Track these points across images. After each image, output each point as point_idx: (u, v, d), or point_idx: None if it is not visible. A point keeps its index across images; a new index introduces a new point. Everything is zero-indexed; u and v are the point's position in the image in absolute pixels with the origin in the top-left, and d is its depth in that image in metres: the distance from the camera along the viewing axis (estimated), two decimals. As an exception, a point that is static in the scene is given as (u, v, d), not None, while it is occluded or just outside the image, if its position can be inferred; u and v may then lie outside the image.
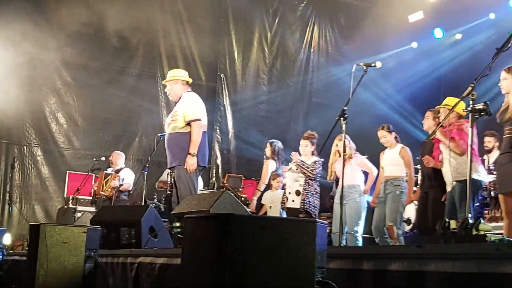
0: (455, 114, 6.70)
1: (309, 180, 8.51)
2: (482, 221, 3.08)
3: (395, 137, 8.15)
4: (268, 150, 9.86)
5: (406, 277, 2.99)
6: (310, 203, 8.43)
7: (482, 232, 2.98)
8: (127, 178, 10.74)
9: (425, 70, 13.69)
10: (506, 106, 5.74)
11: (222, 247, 2.74)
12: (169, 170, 7.50)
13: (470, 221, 3.06)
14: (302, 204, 8.43)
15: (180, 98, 7.31)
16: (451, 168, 6.80)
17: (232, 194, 5.74)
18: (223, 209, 5.17)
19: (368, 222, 8.46)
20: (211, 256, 2.84)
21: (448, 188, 6.99)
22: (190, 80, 7.49)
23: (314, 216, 8.40)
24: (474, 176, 6.53)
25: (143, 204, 10.57)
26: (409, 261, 2.99)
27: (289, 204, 8.73)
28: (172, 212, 5.92)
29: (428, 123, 7.59)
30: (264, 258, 2.78)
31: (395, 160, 7.96)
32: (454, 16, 12.91)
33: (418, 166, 8.59)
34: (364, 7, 14.40)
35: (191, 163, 6.91)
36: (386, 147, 8.21)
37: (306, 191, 8.45)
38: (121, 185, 10.45)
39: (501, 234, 4.58)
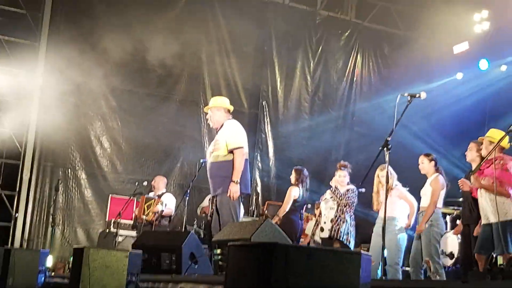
0: (498, 147, 6.57)
1: (343, 207, 8.50)
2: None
3: (435, 166, 8.03)
4: (293, 177, 9.84)
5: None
6: (342, 231, 8.39)
7: (531, 269, 2.91)
8: (169, 203, 10.81)
9: (470, 103, 13.52)
10: None
11: (266, 275, 2.73)
12: (210, 196, 7.54)
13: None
14: (333, 231, 8.40)
15: (222, 125, 7.39)
16: (491, 203, 6.59)
17: (273, 222, 5.73)
18: (264, 237, 5.17)
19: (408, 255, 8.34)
20: (255, 284, 2.83)
21: (483, 221, 6.78)
22: (232, 108, 7.57)
23: (347, 244, 8.35)
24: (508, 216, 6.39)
25: (183, 229, 10.62)
26: (456, 297, 2.94)
27: (321, 235, 8.70)
28: (213, 239, 5.94)
29: (471, 154, 7.41)
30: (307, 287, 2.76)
31: (427, 190, 7.86)
32: (500, 47, 12.75)
33: (461, 199, 8.41)
34: (408, 37, 14.34)
35: (235, 190, 6.97)
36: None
37: (338, 219, 8.43)
38: (163, 210, 10.52)
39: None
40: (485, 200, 6.55)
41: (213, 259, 5.73)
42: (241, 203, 7.38)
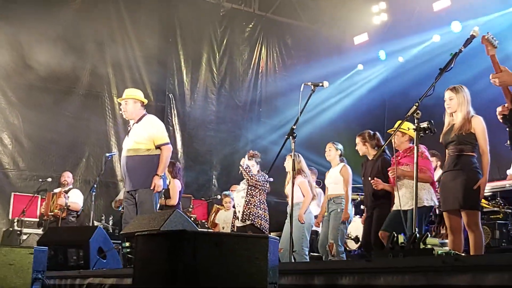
0: (407, 137, 6.89)
1: (252, 191, 8.61)
2: (429, 235, 3.17)
3: (340, 156, 8.35)
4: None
5: (357, 290, 3.05)
6: (253, 214, 8.51)
7: (429, 246, 3.07)
8: (76, 198, 10.56)
9: (370, 93, 14.02)
10: (450, 126, 5.93)
11: (175, 263, 2.75)
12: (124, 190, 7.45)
13: (417, 235, 3.15)
14: (244, 215, 8.51)
15: (140, 119, 7.32)
16: (409, 190, 6.88)
17: (182, 213, 5.73)
18: (173, 228, 5.16)
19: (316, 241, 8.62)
20: (164, 273, 2.84)
21: (395, 208, 7.06)
22: (146, 101, 7.56)
23: (259, 226, 8.47)
24: (430, 202, 6.72)
25: (91, 225, 10.43)
26: (359, 276, 3.05)
27: (237, 224, 8.83)
28: (121, 232, 5.88)
29: (360, 147, 7.74)
30: (217, 274, 2.80)
31: (336, 179, 8.18)
32: (397, 38, 13.24)
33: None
34: (310, 28, 14.69)
35: (159, 184, 6.99)
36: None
37: (248, 203, 8.55)
38: (67, 203, 10.25)
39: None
40: (405, 188, 6.81)
41: (121, 252, 5.66)
42: None
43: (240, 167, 8.91)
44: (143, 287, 3.00)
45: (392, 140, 7.15)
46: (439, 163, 9.66)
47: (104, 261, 6.24)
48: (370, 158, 7.67)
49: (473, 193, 5.61)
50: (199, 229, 8.16)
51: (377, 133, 7.75)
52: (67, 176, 10.98)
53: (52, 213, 10.29)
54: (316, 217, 8.77)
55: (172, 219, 5.22)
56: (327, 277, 3.25)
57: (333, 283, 3.18)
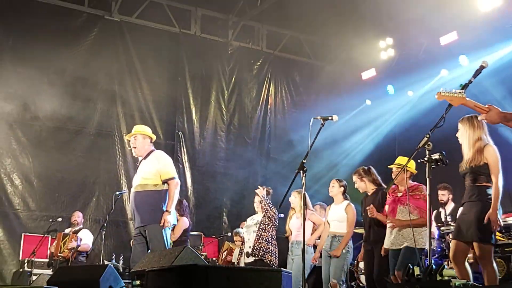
0: (408, 174, 6.90)
1: (265, 225, 8.55)
2: (445, 266, 3.11)
3: (344, 192, 8.34)
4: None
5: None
6: (264, 249, 8.43)
7: (446, 278, 3.01)
8: (86, 238, 10.56)
9: (380, 128, 14.03)
10: (469, 158, 5.87)
11: (187, 298, 2.70)
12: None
13: (434, 266, 3.09)
14: (255, 250, 8.42)
15: (148, 154, 7.33)
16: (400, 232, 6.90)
17: (192, 249, 5.66)
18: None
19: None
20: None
21: (387, 245, 7.12)
22: (154, 137, 7.58)
23: (268, 262, 8.40)
24: (425, 245, 6.71)
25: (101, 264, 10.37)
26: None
27: (246, 260, 8.74)
28: (132, 270, 5.82)
29: (358, 185, 7.86)
30: (229, 308, 2.75)
31: (341, 217, 8.15)
32: (405, 73, 13.28)
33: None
34: (317, 65, 14.81)
35: (169, 219, 6.95)
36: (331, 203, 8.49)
37: (260, 238, 8.48)
38: (79, 245, 10.25)
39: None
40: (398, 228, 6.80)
41: (133, 291, 5.59)
42: None
43: (257, 197, 8.85)
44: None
45: (392, 175, 7.16)
46: (451, 196, 9.63)
47: (115, 300, 6.15)
48: (369, 193, 7.70)
49: (486, 225, 5.50)
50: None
51: (372, 168, 7.81)
52: (77, 216, 11.02)
53: (62, 255, 10.26)
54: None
55: (183, 255, 5.15)
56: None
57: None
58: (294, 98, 14.77)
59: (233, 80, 14.23)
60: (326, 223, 8.48)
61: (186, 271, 2.70)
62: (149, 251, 7.00)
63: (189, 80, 13.78)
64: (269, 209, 8.60)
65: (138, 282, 5.51)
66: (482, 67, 5.02)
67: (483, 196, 5.60)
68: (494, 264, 5.57)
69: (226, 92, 14.15)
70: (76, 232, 10.59)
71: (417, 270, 3.09)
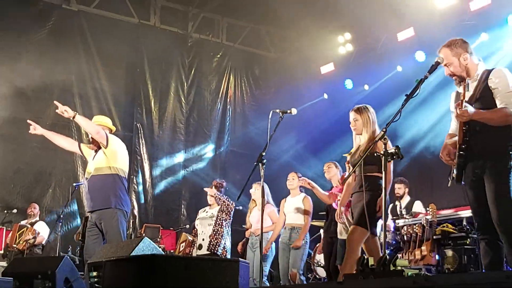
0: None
1: (221, 220, 8.59)
2: (399, 257, 3.19)
3: (300, 186, 8.47)
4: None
5: (328, 313, 3.05)
6: (220, 245, 8.49)
7: (399, 268, 3.09)
8: (42, 231, 10.44)
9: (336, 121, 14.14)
10: (357, 148, 6.00)
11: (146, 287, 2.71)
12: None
13: (387, 257, 3.17)
14: (211, 245, 8.47)
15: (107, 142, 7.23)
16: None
17: (150, 240, 5.65)
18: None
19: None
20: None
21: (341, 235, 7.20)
22: (114, 128, 7.49)
23: (221, 256, 8.46)
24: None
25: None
26: (330, 298, 3.06)
27: (199, 252, 8.77)
28: (88, 261, 5.77)
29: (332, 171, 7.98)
30: (187, 298, 2.77)
31: (299, 209, 8.27)
32: (363, 69, 13.45)
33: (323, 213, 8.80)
34: (277, 58, 14.86)
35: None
36: (287, 196, 8.65)
37: (216, 233, 8.52)
38: (35, 238, 10.13)
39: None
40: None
41: (89, 282, 5.55)
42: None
43: (210, 196, 8.90)
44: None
45: (347, 166, 7.27)
46: (407, 189, 9.84)
47: (71, 291, 6.10)
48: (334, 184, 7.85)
49: (371, 212, 5.63)
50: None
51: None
52: (34, 207, 10.88)
53: (17, 246, 10.13)
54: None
55: (141, 247, 5.15)
56: (298, 300, 3.24)
57: (304, 306, 3.18)
58: (254, 91, 14.82)
59: (192, 72, 14.20)
60: (281, 214, 8.59)
61: (144, 261, 2.70)
62: (105, 241, 6.93)
63: (148, 71, 13.70)
64: (226, 203, 8.64)
65: (95, 273, 5.47)
66: (437, 63, 5.10)
67: (373, 186, 5.73)
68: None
69: (185, 84, 14.11)
70: (32, 224, 10.46)
71: (371, 260, 3.16)
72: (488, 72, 4.83)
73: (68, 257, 10.02)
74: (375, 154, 5.12)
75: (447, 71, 5.06)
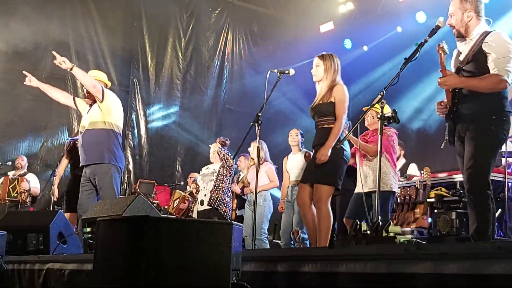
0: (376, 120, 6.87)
1: (223, 176, 8.62)
2: (391, 223, 3.19)
3: (301, 142, 8.46)
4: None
5: (319, 278, 3.06)
6: (220, 200, 8.53)
7: (391, 234, 3.09)
8: (35, 182, 10.44)
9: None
10: (319, 97, 5.79)
11: (137, 249, 2.71)
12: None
13: (380, 223, 3.17)
14: (211, 200, 8.51)
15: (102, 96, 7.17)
16: (372, 172, 6.91)
17: (145, 198, 5.66)
18: (136, 214, 5.11)
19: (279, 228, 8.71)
20: (126, 259, 2.80)
21: (358, 190, 7.10)
22: (109, 84, 7.43)
23: (223, 213, 8.51)
24: (394, 188, 6.81)
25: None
26: (322, 263, 3.06)
27: (200, 208, 8.83)
28: (82, 217, 5.79)
29: None
30: (180, 260, 2.77)
31: (301, 165, 8.21)
32: (363, 27, 13.33)
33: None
34: (277, 16, 14.66)
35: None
36: (288, 154, 8.59)
37: (217, 188, 8.56)
38: (30, 188, 10.15)
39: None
40: (368, 169, 6.87)
41: (83, 238, 5.58)
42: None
43: (214, 152, 8.88)
44: (104, 274, 2.96)
45: (366, 118, 7.19)
46: (403, 152, 9.83)
47: (65, 246, 6.14)
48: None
49: (329, 167, 5.49)
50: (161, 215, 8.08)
51: None
52: (21, 159, 10.86)
53: (16, 197, 10.17)
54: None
55: (135, 205, 5.16)
56: (290, 264, 3.25)
57: (296, 270, 3.19)
58: (252, 49, 14.68)
59: (190, 27, 14.03)
60: (285, 172, 8.55)
61: (137, 221, 2.70)
62: (98, 197, 6.94)
63: (146, 26, 13.54)
64: (226, 156, 8.66)
65: (88, 229, 5.50)
66: (438, 27, 5.01)
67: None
68: (328, 210, 5.49)
69: (183, 39, 13.96)
70: (21, 176, 10.47)
71: (363, 226, 3.17)
72: (486, 34, 4.73)
73: (62, 211, 10.13)
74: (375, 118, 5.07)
75: (448, 21, 4.96)
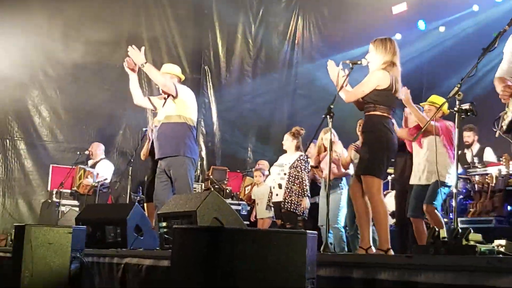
0: (440, 114, 6.69)
1: (294, 179, 8.57)
2: (471, 230, 3.08)
3: None
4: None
5: (397, 287, 3.00)
6: (293, 202, 8.49)
7: (472, 242, 2.99)
8: (103, 171, 10.66)
9: (409, 66, 13.73)
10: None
11: (213, 259, 2.73)
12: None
13: (460, 230, 3.08)
14: (285, 204, 8.50)
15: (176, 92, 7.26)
16: (427, 164, 6.77)
17: (218, 194, 5.72)
18: (210, 210, 5.18)
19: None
20: (201, 268, 2.83)
21: (415, 182, 6.95)
22: (183, 77, 7.50)
23: (300, 214, 8.47)
24: (447, 180, 6.62)
25: (127, 198, 10.57)
26: (400, 271, 3.00)
27: (274, 199, 8.85)
28: (158, 212, 5.90)
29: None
30: (254, 270, 2.77)
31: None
32: (437, 8, 12.93)
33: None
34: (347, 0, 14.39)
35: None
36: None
37: (289, 190, 8.51)
38: (94, 182, 10.37)
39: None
40: (428, 163, 6.72)
41: (159, 232, 5.69)
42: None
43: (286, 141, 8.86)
44: (181, 280, 3.00)
45: (425, 114, 7.02)
46: (476, 137, 9.54)
47: (142, 238, 6.29)
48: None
49: (371, 157, 5.41)
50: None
51: None
52: (93, 147, 11.06)
53: (78, 190, 10.45)
54: None
55: (209, 200, 5.22)
56: (366, 271, 3.20)
57: (372, 277, 3.14)
58: (323, 33, 14.42)
59: (260, 13, 13.97)
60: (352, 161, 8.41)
61: (212, 233, 2.71)
62: (173, 188, 7.04)
63: (216, 13, 13.58)
64: (291, 172, 8.63)
65: (164, 224, 5.61)
66: (518, 15, 4.80)
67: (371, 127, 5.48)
68: (381, 199, 5.36)
69: (253, 25, 13.93)
70: (94, 164, 10.72)
71: (443, 233, 3.07)
72: None
73: (138, 199, 10.36)
74: (452, 111, 4.91)
75: None
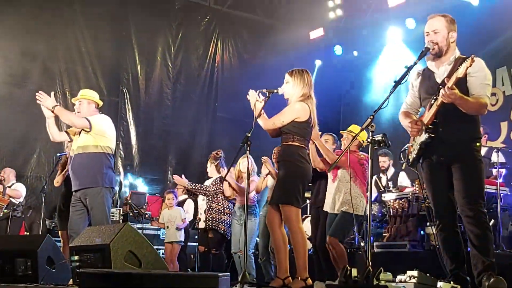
0: (357, 142, 6.85)
1: (213, 197, 8.61)
2: (382, 270, 3.13)
3: None
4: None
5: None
6: (215, 220, 8.53)
7: (382, 282, 3.03)
8: (18, 190, 10.49)
9: (327, 90, 14.01)
10: None
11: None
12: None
13: (370, 269, 3.11)
14: (208, 222, 8.52)
15: None
16: (338, 193, 6.92)
17: (132, 226, 5.59)
18: (124, 243, 5.07)
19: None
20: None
21: (328, 209, 7.04)
22: (101, 103, 7.37)
23: (222, 232, 8.49)
24: (360, 211, 6.77)
25: (41, 225, 10.26)
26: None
27: (201, 225, 8.86)
28: (70, 245, 5.72)
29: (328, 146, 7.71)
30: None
31: None
32: (352, 34, 13.32)
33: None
34: (266, 23, 14.57)
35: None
36: None
37: (211, 209, 8.55)
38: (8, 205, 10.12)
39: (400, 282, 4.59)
40: (340, 192, 6.83)
41: (71, 266, 5.51)
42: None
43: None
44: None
45: (342, 142, 7.20)
46: (391, 162, 9.84)
47: (54, 271, 6.07)
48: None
49: (288, 187, 5.58)
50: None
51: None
52: (10, 172, 10.81)
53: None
54: None
55: (123, 233, 5.10)
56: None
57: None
58: (242, 56, 14.58)
59: (179, 36, 13.92)
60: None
61: (121, 278, 2.64)
62: (89, 217, 6.88)
63: (134, 35, 13.42)
64: (207, 193, 8.67)
65: (76, 258, 5.44)
66: (427, 49, 4.97)
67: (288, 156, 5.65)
68: (300, 225, 5.53)
69: (172, 48, 13.86)
70: (5, 189, 10.48)
71: (354, 272, 3.11)
72: (463, 59, 4.66)
73: (53, 225, 10.06)
74: (365, 142, 5.04)
75: (430, 38, 4.89)
